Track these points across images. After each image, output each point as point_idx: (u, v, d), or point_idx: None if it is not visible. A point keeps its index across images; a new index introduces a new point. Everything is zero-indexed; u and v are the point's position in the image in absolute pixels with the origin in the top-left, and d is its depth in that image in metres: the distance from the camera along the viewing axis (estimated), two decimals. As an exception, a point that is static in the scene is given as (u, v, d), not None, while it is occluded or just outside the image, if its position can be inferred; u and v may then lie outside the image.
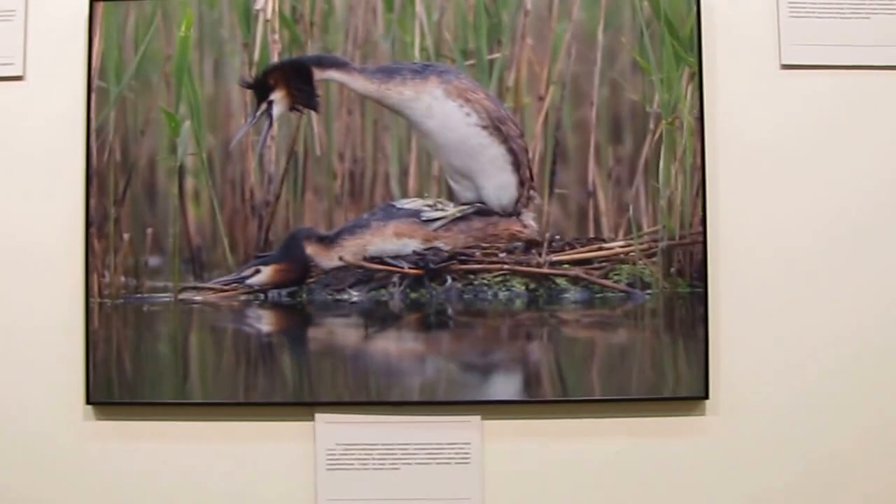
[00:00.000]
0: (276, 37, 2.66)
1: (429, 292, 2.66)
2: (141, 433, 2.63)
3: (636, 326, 2.64)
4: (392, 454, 2.62)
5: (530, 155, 2.68)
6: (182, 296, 2.65)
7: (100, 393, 2.62)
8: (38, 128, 2.67)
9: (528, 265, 2.67)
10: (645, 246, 2.68)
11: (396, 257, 2.68)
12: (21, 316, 2.64)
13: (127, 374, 2.61)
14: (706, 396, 2.63)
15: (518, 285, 2.67)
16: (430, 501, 2.60)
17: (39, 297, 2.64)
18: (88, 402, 2.62)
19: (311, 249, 2.69)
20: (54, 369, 2.64)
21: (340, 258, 2.69)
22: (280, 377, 2.61)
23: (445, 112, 2.67)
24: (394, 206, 2.70)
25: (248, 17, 2.66)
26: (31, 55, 2.67)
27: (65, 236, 2.65)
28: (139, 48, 2.64)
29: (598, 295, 2.66)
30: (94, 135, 2.64)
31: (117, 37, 2.64)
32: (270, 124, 2.66)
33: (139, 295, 2.65)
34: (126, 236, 2.64)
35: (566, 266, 2.67)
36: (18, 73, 2.67)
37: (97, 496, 2.63)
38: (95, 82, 2.64)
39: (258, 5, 2.67)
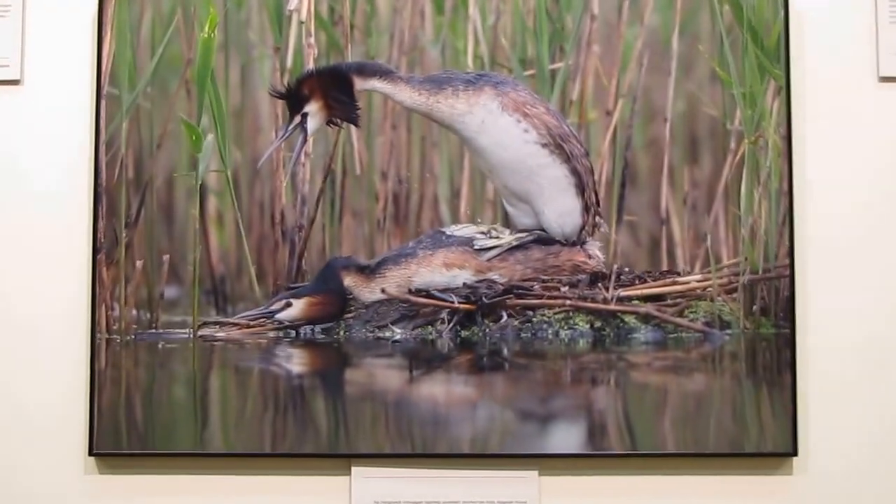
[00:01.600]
0: (312, 41, 2.61)
1: (481, 330, 2.59)
2: (152, 489, 2.53)
3: (714, 371, 2.56)
4: (439, 513, 2.47)
5: (596, 177, 2.63)
6: (202, 332, 2.58)
7: (105, 442, 2.51)
8: (39, 140, 2.59)
9: (594, 301, 2.59)
10: (724, 280, 2.59)
11: (445, 290, 2.60)
12: (18, 353, 2.56)
13: (137, 420, 2.52)
14: (794, 453, 2.52)
15: (582, 323, 2.59)
16: (482, 567, 2.47)
17: (38, 333, 2.55)
18: (91, 453, 2.51)
19: (349, 280, 2.61)
20: (53, 415, 2.54)
21: (382, 291, 2.61)
22: (313, 425, 2.53)
23: (501, 128, 2.59)
24: (443, 232, 2.64)
25: (281, 18, 2.61)
26: (31, 56, 2.59)
27: (69, 263, 2.56)
28: (156, 51, 2.58)
29: (672, 335, 2.59)
30: (103, 148, 2.56)
31: (131, 37, 2.57)
32: (304, 139, 2.59)
33: (153, 330, 2.58)
34: (139, 264, 2.57)
35: (636, 302, 2.60)
36: (15, 76, 2.58)
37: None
38: (105, 88, 2.56)
39: (292, 5, 2.62)
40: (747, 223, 2.58)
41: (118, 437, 2.52)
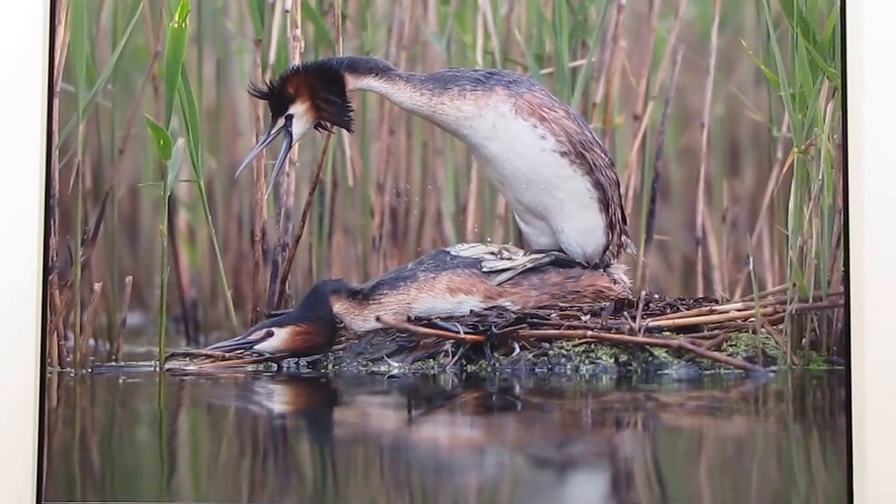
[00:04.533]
0: (298, 32, 2.64)
1: (491, 364, 2.54)
2: None
3: (757, 414, 2.48)
4: (440, 577, 2.38)
5: (622, 190, 2.59)
6: (170, 364, 2.56)
7: (56, 491, 2.40)
8: (-20, 144, 2.56)
9: (619, 332, 2.55)
10: (769, 310, 2.56)
11: (450, 319, 2.54)
12: (-46, 389, 2.50)
13: (94, 466, 2.40)
14: None
15: (605, 357, 2.55)
16: None
17: (-21, 366, 2.52)
18: (40, 501, 2.41)
19: (339, 307, 2.55)
20: (-4, 459, 2.48)
21: (377, 319, 2.56)
22: (296, 472, 2.39)
23: (514, 134, 2.54)
24: (447, 253, 2.59)
25: (263, 7, 2.66)
26: (-31, 48, 2.57)
27: (15, 285, 2.47)
28: (118, 42, 2.62)
29: (708, 371, 2.54)
30: (55, 154, 2.51)
31: (88, 26, 2.55)
32: (289, 145, 2.55)
33: (113, 363, 2.58)
34: (97, 286, 2.54)
35: (667, 334, 2.56)
36: (-49, 70, 2.56)
37: None
38: (59, 85, 2.52)
39: (275, -9, 2.63)
40: (796, 244, 2.53)
41: (71, 486, 2.40)
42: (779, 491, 2.37)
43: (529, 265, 2.57)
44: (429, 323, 2.53)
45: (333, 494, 2.37)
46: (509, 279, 2.56)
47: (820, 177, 2.50)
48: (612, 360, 2.55)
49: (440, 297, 2.55)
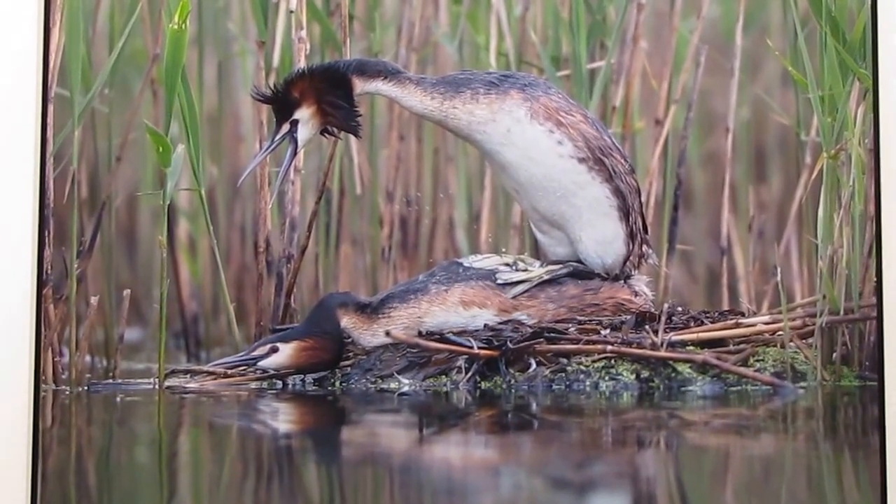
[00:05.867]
0: (304, 34, 2.66)
1: (506, 381, 2.53)
2: None
3: (786, 432, 2.45)
4: None
5: (643, 198, 2.61)
6: (170, 382, 2.55)
7: None
8: (-30, 151, 2.59)
9: (640, 346, 2.54)
10: (798, 323, 2.54)
11: (463, 333, 2.54)
12: (-57, 409, 2.48)
13: (90, 490, 2.33)
14: None
15: (626, 373, 2.53)
16: None
17: (-32, 384, 2.49)
18: None
19: (347, 321, 2.57)
20: (-12, 483, 2.48)
21: (387, 334, 2.58)
22: (302, 496, 2.32)
23: (530, 139, 2.53)
24: (460, 264, 2.61)
25: (266, 7, 2.69)
26: (-41, 51, 2.56)
27: (8, 299, 2.45)
28: (115, 44, 2.61)
29: (734, 388, 2.52)
30: (50, 161, 2.51)
31: (85, 28, 2.62)
32: (294, 152, 2.54)
33: (110, 381, 2.56)
34: (93, 300, 2.53)
35: (691, 348, 2.54)
36: (-59, 75, 2.58)
37: None
38: (53, 89, 2.51)
39: (280, -9, 2.65)
40: (826, 254, 2.55)
41: None
42: None
43: (546, 277, 2.59)
44: (441, 338, 2.54)
45: None
46: (525, 291, 2.59)
47: (850, 183, 2.49)
48: (633, 377, 2.56)
49: (453, 310, 2.57)
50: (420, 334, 2.59)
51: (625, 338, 2.59)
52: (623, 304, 2.59)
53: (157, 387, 2.54)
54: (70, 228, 2.52)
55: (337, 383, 2.58)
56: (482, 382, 2.57)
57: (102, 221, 2.54)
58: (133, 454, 2.44)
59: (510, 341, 2.51)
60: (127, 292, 2.52)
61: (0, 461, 2.51)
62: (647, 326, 2.61)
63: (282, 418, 2.54)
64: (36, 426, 2.41)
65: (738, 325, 2.56)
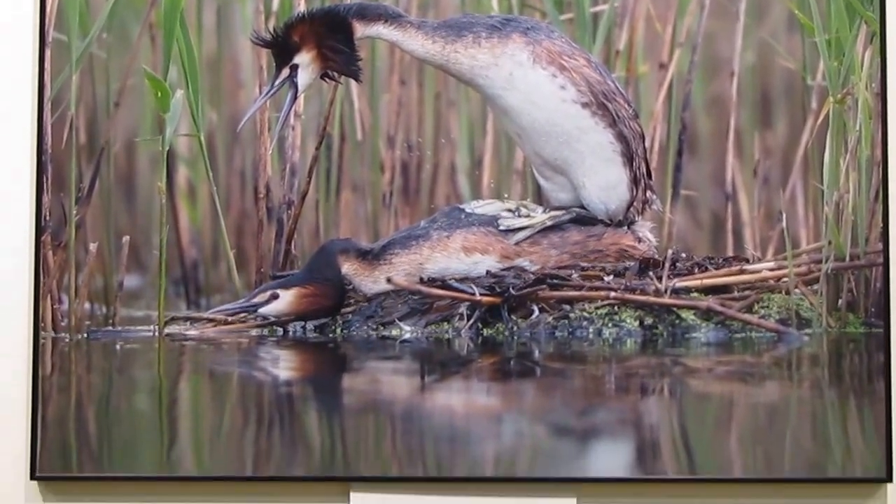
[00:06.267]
0: None
1: (508, 328, 2.54)
2: None
3: (790, 379, 2.47)
4: (456, 549, 2.43)
5: (647, 143, 2.58)
6: (170, 329, 2.57)
7: (50, 464, 2.40)
8: (-34, 97, 2.59)
9: (644, 293, 2.55)
10: (803, 269, 2.55)
11: (465, 280, 2.54)
12: (-59, 357, 2.56)
13: (90, 438, 2.41)
14: (888, 478, 2.38)
15: (629, 320, 2.54)
16: None
17: (-34, 332, 2.57)
18: (34, 476, 2.40)
19: (347, 268, 2.55)
20: (-14, 432, 2.54)
21: (388, 280, 2.55)
22: (303, 442, 2.40)
23: (532, 84, 2.53)
24: (462, 210, 2.58)
25: None
26: (-44, -5, 2.59)
27: (6, 246, 2.47)
28: None
29: (739, 335, 2.53)
30: (48, 107, 2.50)
31: None
32: (294, 97, 2.55)
33: (110, 328, 2.58)
34: (92, 247, 2.54)
35: (695, 295, 2.54)
36: (-63, 19, 2.58)
37: None
38: (51, 34, 2.51)
39: (279, -69, 2.73)
40: (832, 199, 2.52)
41: (66, 458, 2.42)
42: (813, 460, 2.37)
43: (549, 223, 2.59)
44: (443, 284, 2.53)
45: (343, 465, 2.39)
46: (528, 238, 2.58)
47: (857, 127, 2.49)
48: (636, 323, 2.56)
49: (454, 256, 2.57)
50: (422, 281, 2.56)
51: (628, 284, 2.55)
52: (626, 251, 2.60)
53: (156, 334, 2.55)
54: (68, 174, 2.52)
55: (338, 330, 2.58)
56: (484, 329, 2.57)
57: (101, 167, 2.54)
58: (133, 402, 2.46)
59: (512, 288, 2.52)
60: (126, 239, 2.52)
61: (0, 408, 2.46)
62: (650, 273, 2.57)
63: (282, 365, 2.55)
64: (35, 374, 2.43)
65: (742, 272, 2.56)
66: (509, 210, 2.58)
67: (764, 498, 2.41)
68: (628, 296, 2.56)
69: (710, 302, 2.54)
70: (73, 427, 2.43)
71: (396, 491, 2.40)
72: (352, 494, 2.40)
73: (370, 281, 2.56)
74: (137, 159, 2.58)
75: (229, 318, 2.56)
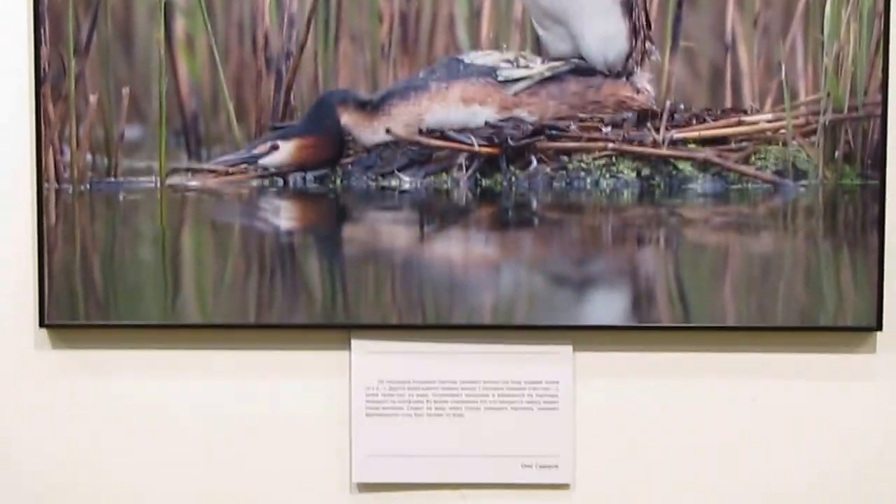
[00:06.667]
0: None
1: (506, 178, 2.54)
2: (114, 366, 2.44)
3: (785, 230, 2.48)
4: (454, 395, 2.43)
5: None
6: (171, 180, 2.54)
7: (58, 312, 2.42)
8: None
9: (641, 144, 2.53)
10: (801, 121, 2.51)
11: (463, 131, 2.54)
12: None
13: (96, 286, 2.43)
14: (878, 327, 2.40)
15: (627, 171, 2.54)
16: (505, 459, 2.46)
17: (-30, 183, 2.57)
18: (43, 324, 2.42)
19: (347, 119, 2.54)
20: (-6, 281, 2.61)
21: (387, 131, 2.55)
22: (305, 291, 2.44)
23: None
24: (460, 60, 2.56)
25: None
26: None
27: (7, 97, 2.48)
28: None
29: (735, 186, 2.53)
30: None
31: None
32: None
33: (112, 179, 2.53)
34: (93, 98, 2.50)
35: (692, 146, 2.53)
36: None
37: (54, 452, 2.47)
38: None
39: None
40: (832, 50, 2.47)
41: (74, 306, 2.42)
42: (806, 310, 2.41)
43: (547, 74, 2.53)
44: (441, 135, 2.52)
45: (344, 313, 2.42)
46: (526, 88, 2.54)
47: None
48: (633, 174, 2.52)
49: (453, 107, 2.54)
50: (420, 132, 2.55)
51: (626, 135, 2.50)
52: (625, 102, 2.55)
53: (158, 185, 2.53)
54: (66, 26, 2.47)
55: (338, 181, 2.55)
56: (483, 180, 2.54)
57: (98, 19, 2.47)
58: (137, 251, 2.45)
59: (511, 138, 2.49)
60: (126, 90, 2.48)
61: (8, 259, 2.45)
62: (648, 124, 2.52)
63: (283, 216, 2.54)
64: (41, 224, 2.42)
65: (740, 123, 2.53)
66: (508, 61, 2.55)
67: (756, 345, 2.43)
68: (626, 147, 2.52)
69: (707, 153, 2.52)
70: (78, 276, 2.43)
71: (396, 338, 2.41)
72: (352, 341, 2.41)
73: (369, 132, 2.55)
74: (135, 10, 2.51)
75: (230, 170, 2.54)
